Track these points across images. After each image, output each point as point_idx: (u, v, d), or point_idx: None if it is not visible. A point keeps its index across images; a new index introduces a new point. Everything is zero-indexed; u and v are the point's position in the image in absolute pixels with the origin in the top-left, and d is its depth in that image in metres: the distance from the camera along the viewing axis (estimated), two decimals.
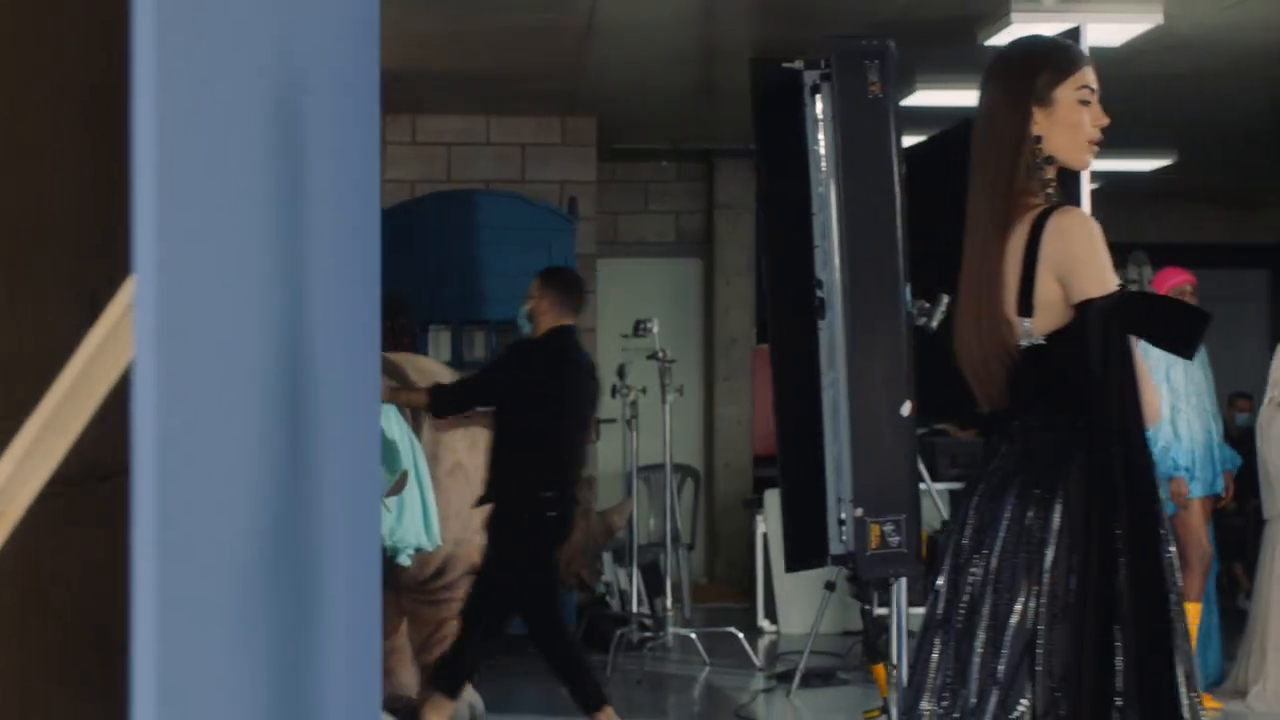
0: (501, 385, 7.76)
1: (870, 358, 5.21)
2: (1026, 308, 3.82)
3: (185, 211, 2.50)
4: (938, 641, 3.83)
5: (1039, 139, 3.88)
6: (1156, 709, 3.63)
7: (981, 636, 3.76)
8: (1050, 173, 3.92)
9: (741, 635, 10.52)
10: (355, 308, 4.59)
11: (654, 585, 12.02)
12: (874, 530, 5.21)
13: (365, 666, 4.61)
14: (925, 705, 3.81)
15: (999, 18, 8.67)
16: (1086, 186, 8.30)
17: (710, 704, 9.48)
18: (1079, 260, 3.77)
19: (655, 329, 10.18)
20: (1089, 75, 3.94)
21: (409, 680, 8.78)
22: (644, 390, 10.55)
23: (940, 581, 3.87)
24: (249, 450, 2.89)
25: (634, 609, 10.42)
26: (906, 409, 5.20)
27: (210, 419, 2.54)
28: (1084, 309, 3.75)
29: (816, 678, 9.94)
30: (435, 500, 8.35)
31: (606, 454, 13.07)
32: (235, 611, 2.70)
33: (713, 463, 13.89)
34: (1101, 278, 3.77)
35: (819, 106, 5.40)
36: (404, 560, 8.24)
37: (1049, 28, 8.59)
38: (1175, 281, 9.40)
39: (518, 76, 10.67)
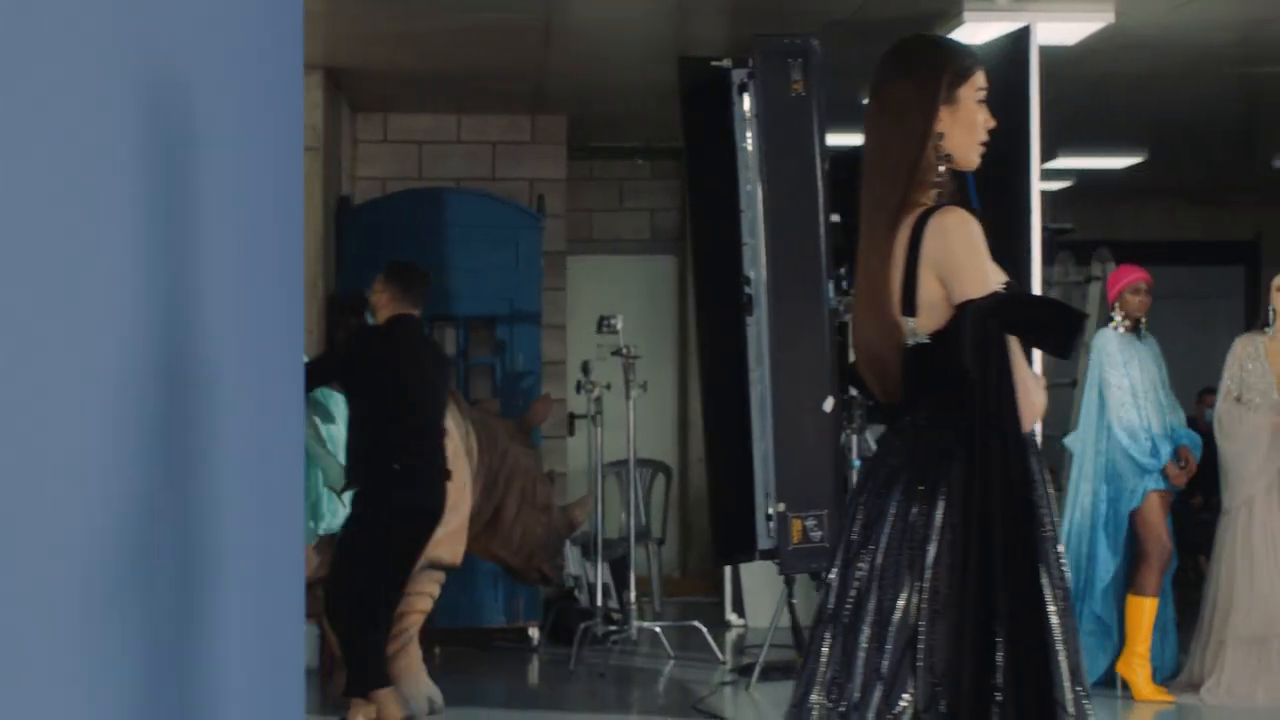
0: (338, 367, 7.91)
1: (793, 354, 5.21)
2: (910, 307, 3.82)
3: (17, 208, 2.49)
4: (828, 635, 3.82)
5: (941, 136, 3.88)
6: (1033, 707, 3.61)
7: (867, 631, 3.76)
8: (944, 172, 3.91)
9: (705, 629, 10.51)
10: (265, 304, 4.55)
11: (623, 579, 12.01)
12: (796, 525, 5.22)
13: (280, 658, 4.58)
14: (815, 698, 3.80)
15: (952, 16, 8.64)
16: (1036, 187, 8.33)
17: (672, 697, 9.46)
18: (958, 260, 3.76)
19: (620, 325, 10.16)
20: (983, 78, 3.94)
21: None
22: (609, 386, 10.53)
23: (831, 575, 3.86)
24: (96, 450, 2.87)
25: (598, 603, 10.38)
26: (829, 405, 5.20)
27: (41, 416, 2.53)
28: (963, 309, 3.74)
29: (777, 670, 9.91)
30: None
31: (579, 450, 13.06)
32: (74, 609, 2.68)
33: (686, 458, 13.89)
34: (980, 278, 3.76)
35: (746, 104, 5.39)
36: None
37: (1000, 26, 8.63)
38: (1130, 279, 9.41)
39: (486, 76, 10.67)
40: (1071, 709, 3.74)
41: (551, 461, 12.84)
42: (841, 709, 3.75)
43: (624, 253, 13.90)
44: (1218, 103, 11.41)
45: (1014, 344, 3.76)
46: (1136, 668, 9.20)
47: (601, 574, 11.35)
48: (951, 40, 4.07)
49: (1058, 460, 9.86)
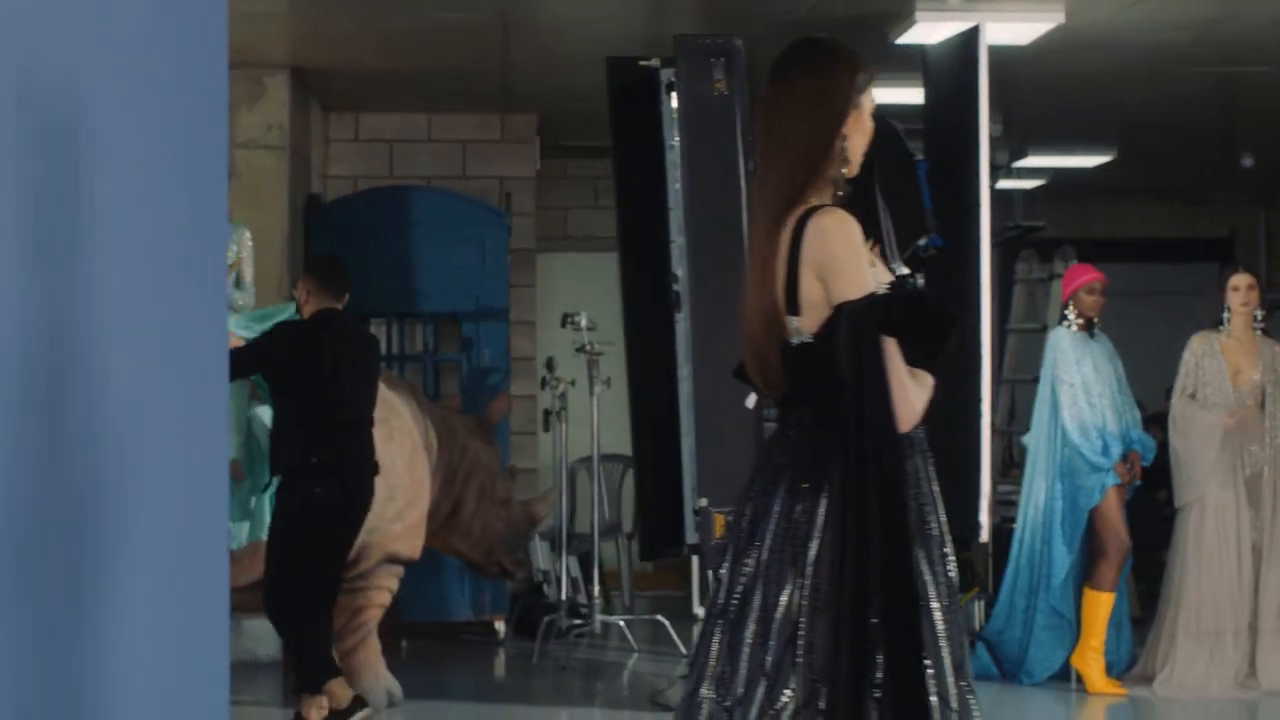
0: (259, 359, 7.83)
1: (714, 351, 5.21)
2: (793, 306, 3.81)
3: None
4: (716, 631, 3.83)
5: (845, 138, 3.88)
6: (908, 704, 3.62)
7: (751, 627, 3.76)
8: (841, 173, 3.91)
9: (669, 622, 10.52)
10: (183, 300, 4.54)
11: (592, 574, 12.02)
12: (718, 520, 5.22)
13: (202, 654, 4.58)
14: (704, 693, 3.81)
15: (905, 16, 8.64)
16: (985, 185, 8.32)
17: (635, 690, 9.48)
18: (836, 261, 3.76)
19: (584, 322, 10.16)
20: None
21: None
22: (573, 382, 10.53)
23: (722, 571, 3.87)
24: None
25: (562, 597, 10.38)
26: (751, 401, 5.18)
27: None
28: (839, 310, 3.74)
29: None
30: None
31: (550, 445, 13.08)
32: None
33: None
34: (857, 280, 3.76)
35: (674, 103, 5.40)
36: None
37: (952, 26, 8.60)
38: (1085, 279, 9.41)
39: (454, 75, 10.67)
40: (955, 704, 3.75)
41: (523, 457, 12.86)
42: (727, 704, 3.76)
43: (599, 250, 13.87)
44: (1182, 102, 11.40)
45: (891, 346, 3.75)
46: (1091, 661, 9.21)
47: (569, 568, 11.37)
48: (855, 51, 4.05)
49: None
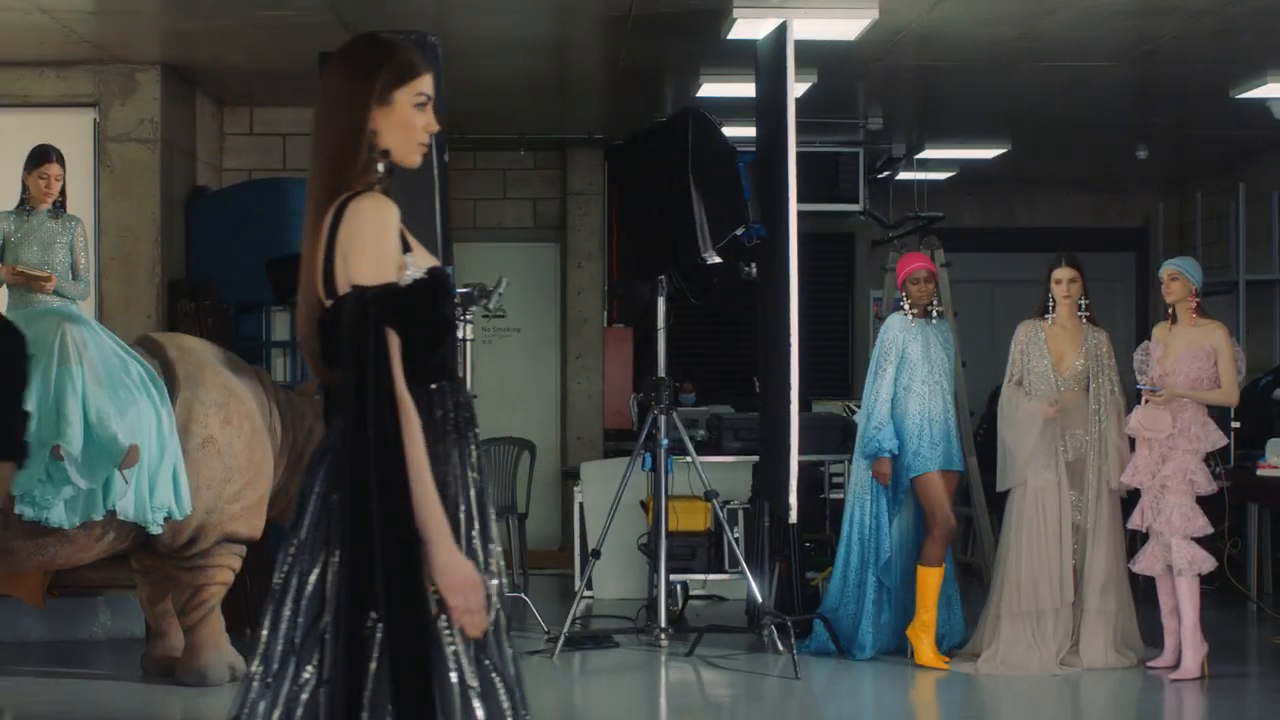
0: None
1: None
2: (331, 291, 3.76)
3: None
4: (269, 608, 3.79)
5: (375, 133, 3.83)
6: (411, 683, 3.57)
7: (289, 606, 3.73)
8: (382, 166, 3.86)
9: (529, 601, 10.49)
10: None
11: None
12: None
13: None
14: (253, 668, 3.77)
15: (724, 14, 8.59)
16: (793, 178, 8.25)
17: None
18: (356, 244, 3.70)
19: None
20: (426, 83, 3.89)
21: (178, 642, 8.79)
22: None
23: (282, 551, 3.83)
24: None
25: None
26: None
27: None
28: (350, 292, 3.68)
29: (591, 641, 9.91)
30: (186, 471, 8.35)
31: None
32: None
33: (566, 435, 13.87)
34: (374, 265, 3.68)
35: None
36: (155, 529, 8.25)
37: (771, 23, 8.53)
38: (910, 268, 9.38)
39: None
40: (474, 681, 3.70)
41: None
42: (268, 680, 3.72)
43: (508, 240, 13.88)
44: (1042, 96, 11.29)
45: (394, 336, 3.68)
46: (920, 634, 9.21)
47: None
48: (397, 42, 3.97)
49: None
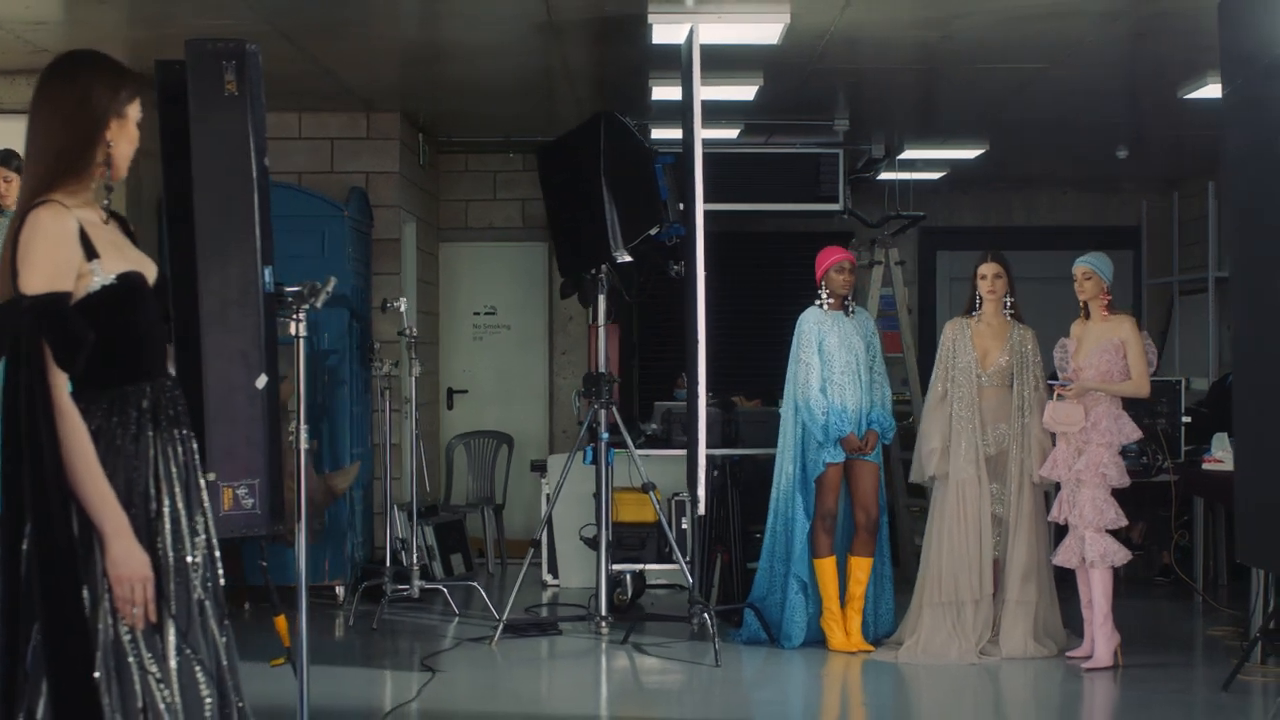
0: None
1: (227, 334, 5.23)
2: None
3: None
4: None
5: (110, 144, 3.90)
6: (67, 679, 3.61)
7: None
8: (100, 176, 3.93)
9: (482, 589, 10.56)
10: None
11: (454, 543, 12.06)
12: (227, 493, 5.24)
13: None
14: None
15: (639, 19, 8.57)
16: (699, 179, 8.24)
17: (426, 649, 9.41)
18: (26, 250, 3.77)
19: (403, 307, 10.17)
20: (139, 105, 3.98)
21: None
22: (396, 364, 10.56)
23: None
24: None
25: (388, 564, 10.42)
26: (261, 382, 5.22)
27: None
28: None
29: (536, 628, 9.95)
30: None
31: (453, 421, 13.26)
32: None
33: (553, 429, 13.92)
34: (37, 274, 3.74)
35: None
36: None
37: (684, 29, 8.50)
38: (834, 259, 9.38)
39: (325, 76, 10.65)
40: (154, 667, 3.74)
41: (428, 429, 12.94)
42: None
43: (498, 240, 13.93)
44: (1000, 97, 11.20)
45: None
46: (830, 623, 9.23)
47: (420, 537, 11.41)
48: (124, 65, 4.06)
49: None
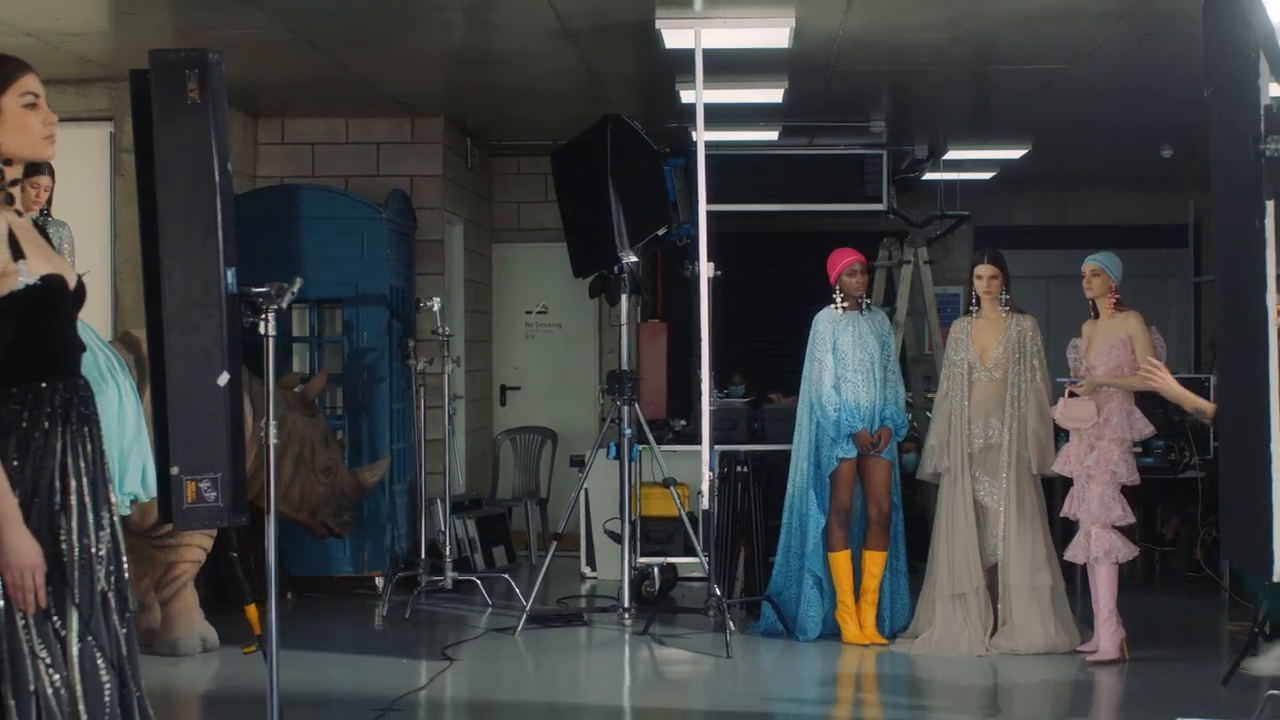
0: None
1: (189, 333, 5.29)
2: None
3: None
4: None
5: None
6: None
7: None
8: (11, 173, 3.97)
9: (512, 581, 10.59)
10: None
11: (497, 536, 12.11)
12: (190, 486, 5.29)
13: None
14: None
15: (648, 26, 8.57)
16: (702, 175, 8.24)
17: (453, 639, 9.46)
18: None
19: (435, 306, 10.24)
20: (31, 81, 3.99)
21: (158, 615, 9.02)
22: (430, 361, 10.61)
23: None
24: None
25: (423, 556, 10.49)
26: (223, 379, 5.27)
27: None
28: None
29: (561, 619, 9.99)
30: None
31: (505, 416, 13.40)
32: None
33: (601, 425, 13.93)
34: None
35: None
36: (123, 511, 8.47)
37: (692, 35, 8.50)
38: (845, 263, 9.33)
39: (370, 83, 10.74)
40: (44, 652, 3.80)
41: (480, 424, 13.02)
42: None
43: (549, 240, 13.96)
44: (1027, 98, 11.09)
45: None
46: (844, 616, 9.20)
47: (463, 530, 11.48)
48: None
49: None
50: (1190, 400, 6.82)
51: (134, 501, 8.51)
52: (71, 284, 4.08)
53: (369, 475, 9.93)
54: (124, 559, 4.08)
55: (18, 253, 3.90)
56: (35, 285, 3.89)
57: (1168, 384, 6.74)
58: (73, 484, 3.93)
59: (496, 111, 12.28)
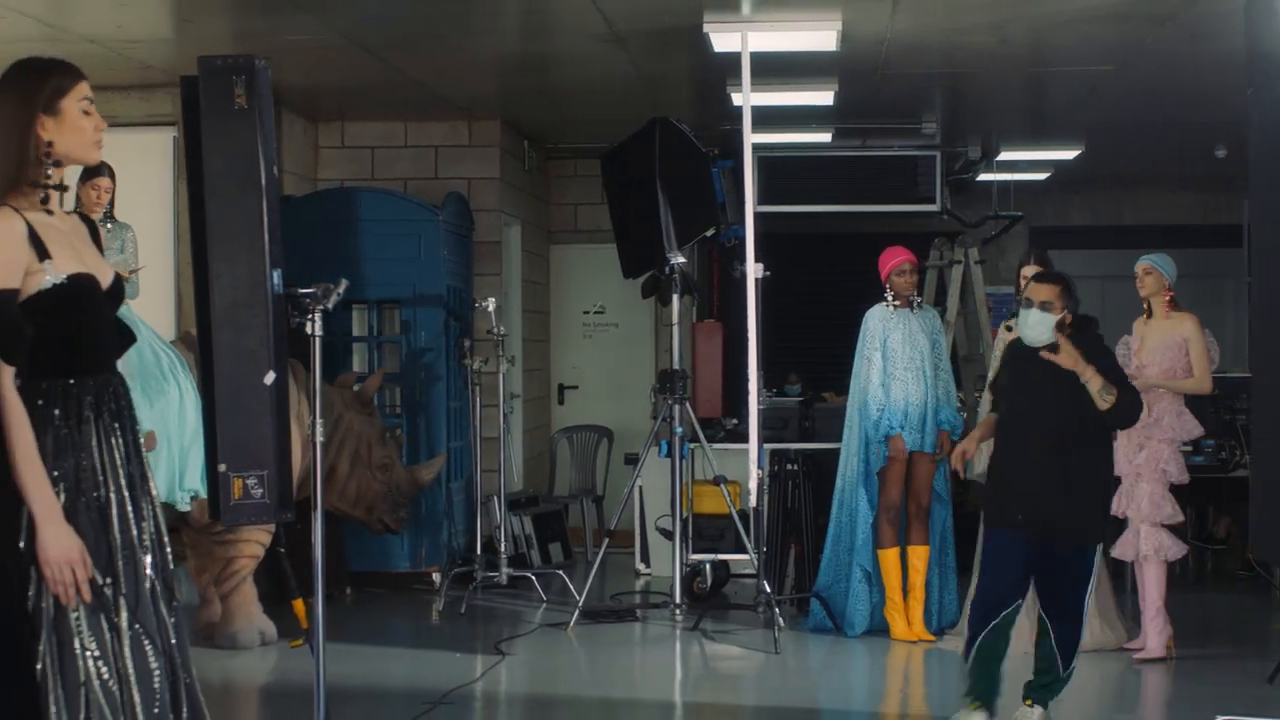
0: None
1: (237, 333, 5.34)
2: None
3: None
4: None
5: (51, 143, 3.98)
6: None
7: None
8: (55, 173, 4.02)
9: (566, 577, 10.60)
10: None
11: (554, 533, 12.14)
12: (237, 483, 5.34)
13: None
14: None
15: (696, 29, 8.58)
16: (751, 186, 8.23)
17: (506, 634, 9.50)
18: None
19: (490, 307, 10.28)
20: (85, 88, 4.03)
21: (218, 608, 9.09)
22: (486, 361, 10.65)
23: None
24: None
25: (478, 552, 10.53)
26: (269, 378, 5.33)
27: None
28: None
29: (613, 614, 10.01)
30: None
31: (562, 415, 13.44)
32: None
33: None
34: None
35: None
36: (184, 508, 8.55)
37: (738, 39, 8.49)
38: (895, 262, 9.30)
39: (427, 87, 10.80)
40: (93, 645, 3.83)
41: (538, 423, 13.06)
42: None
43: (604, 241, 13.96)
44: (1078, 98, 11.03)
45: None
46: (892, 613, 9.18)
47: (513, 526, 11.50)
48: (56, 62, 4.12)
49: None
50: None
51: (194, 498, 8.60)
52: (106, 283, 4.10)
53: (424, 473, 9.98)
54: (168, 549, 4.12)
55: (44, 253, 3.93)
56: (62, 284, 3.93)
57: None
58: (111, 477, 3.97)
59: (552, 115, 12.32)
